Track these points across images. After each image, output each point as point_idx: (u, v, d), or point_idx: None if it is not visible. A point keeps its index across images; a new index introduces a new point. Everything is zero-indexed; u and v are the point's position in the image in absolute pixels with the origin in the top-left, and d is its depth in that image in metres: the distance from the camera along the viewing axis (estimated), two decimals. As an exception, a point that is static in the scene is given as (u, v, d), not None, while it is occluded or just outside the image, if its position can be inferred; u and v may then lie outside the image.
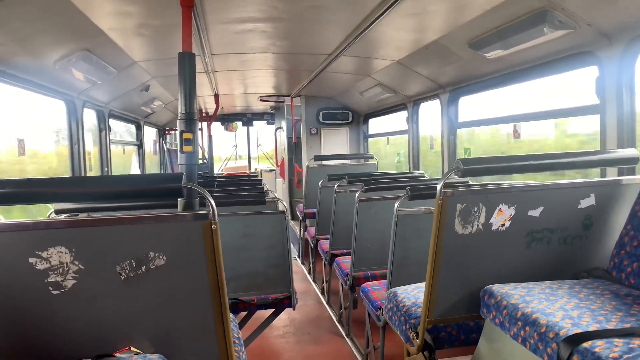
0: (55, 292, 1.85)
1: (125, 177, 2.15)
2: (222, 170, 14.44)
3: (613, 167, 2.99)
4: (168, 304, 1.99)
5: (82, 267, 1.85)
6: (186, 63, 2.86)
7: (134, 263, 1.88)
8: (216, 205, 1.93)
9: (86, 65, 4.04)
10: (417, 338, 2.61)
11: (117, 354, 1.92)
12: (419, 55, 4.73)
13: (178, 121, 2.88)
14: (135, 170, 8.22)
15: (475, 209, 2.34)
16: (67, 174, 5.02)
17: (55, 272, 1.83)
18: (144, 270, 1.89)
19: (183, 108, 2.87)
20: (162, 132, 10.17)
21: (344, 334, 4.77)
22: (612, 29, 2.94)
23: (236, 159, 15.50)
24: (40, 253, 1.81)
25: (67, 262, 1.83)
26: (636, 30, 2.84)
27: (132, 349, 1.97)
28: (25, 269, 1.81)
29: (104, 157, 6.01)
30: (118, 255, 1.88)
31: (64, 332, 1.92)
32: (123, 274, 1.88)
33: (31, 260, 1.81)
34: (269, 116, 12.67)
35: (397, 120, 7.25)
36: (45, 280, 1.84)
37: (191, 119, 2.88)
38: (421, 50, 4.57)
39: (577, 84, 3.61)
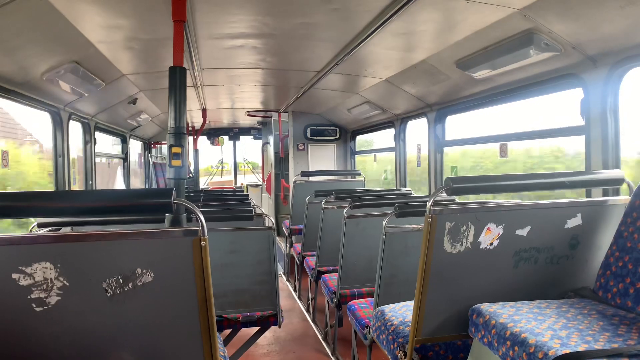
0: (38, 309, 1.80)
1: (114, 191, 2.12)
2: (207, 185, 14.34)
3: (599, 187, 3.03)
4: (154, 322, 1.95)
5: (67, 284, 1.80)
6: (177, 77, 2.85)
7: (120, 279, 1.84)
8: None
9: (74, 77, 4.00)
10: (405, 357, 2.59)
11: (101, 373, 1.87)
12: (407, 74, 4.78)
13: (167, 135, 2.86)
14: (119, 183, 8.13)
15: (464, 228, 2.35)
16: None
17: (39, 289, 1.78)
18: (130, 287, 1.85)
19: (173, 122, 2.86)
20: (147, 146, 10.09)
21: (329, 353, 4.72)
22: (597, 53, 3.01)
23: (222, 173, 15.41)
24: (24, 268, 1.76)
25: (51, 278, 1.78)
26: (620, 54, 2.91)
27: (117, 367, 1.92)
28: (7, 285, 1.76)
29: (89, 170, 5.93)
30: (104, 271, 1.84)
31: (48, 350, 1.87)
32: (109, 290, 1.84)
33: (14, 275, 1.76)
34: (256, 131, 12.66)
35: (385, 137, 7.31)
36: (29, 297, 1.79)
37: (181, 133, 2.87)
38: (409, 70, 4.63)
39: (563, 105, 3.68)
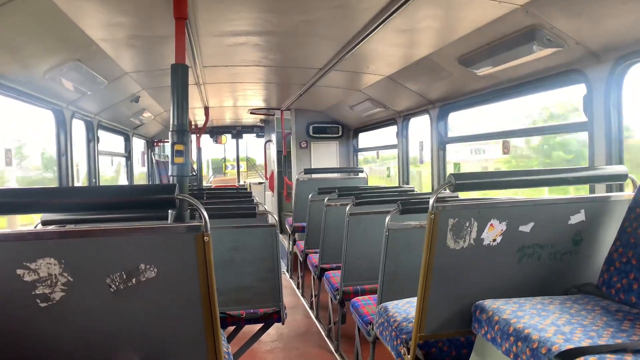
0: (42, 305, 1.81)
1: (117, 187, 2.14)
2: (210, 183, 14.37)
3: (602, 183, 3.02)
4: (158, 317, 1.96)
5: (71, 279, 1.81)
6: (179, 75, 2.86)
7: (124, 275, 1.85)
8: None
9: (76, 75, 4.01)
10: (408, 353, 2.59)
11: (105, 369, 1.88)
12: (409, 70, 4.77)
13: (170, 133, 2.87)
14: (122, 181, 8.15)
15: (467, 224, 2.34)
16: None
17: (44, 284, 1.79)
18: (134, 282, 1.86)
19: (175, 120, 2.86)
20: (150, 144, 10.11)
21: (332, 350, 4.73)
22: (600, 48, 3.00)
23: (224, 171, 15.44)
24: (28, 264, 1.77)
25: (55, 274, 1.79)
26: (624, 49, 2.90)
27: (121, 363, 1.93)
28: (12, 281, 1.77)
29: (92, 169, 5.94)
30: (108, 267, 1.85)
31: (52, 345, 1.88)
32: (113, 286, 1.85)
33: (19, 271, 1.77)
34: (258, 129, 12.68)
35: (387, 134, 7.30)
36: (33, 293, 1.80)
37: (183, 130, 2.88)
38: (411, 66, 4.62)
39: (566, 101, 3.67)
